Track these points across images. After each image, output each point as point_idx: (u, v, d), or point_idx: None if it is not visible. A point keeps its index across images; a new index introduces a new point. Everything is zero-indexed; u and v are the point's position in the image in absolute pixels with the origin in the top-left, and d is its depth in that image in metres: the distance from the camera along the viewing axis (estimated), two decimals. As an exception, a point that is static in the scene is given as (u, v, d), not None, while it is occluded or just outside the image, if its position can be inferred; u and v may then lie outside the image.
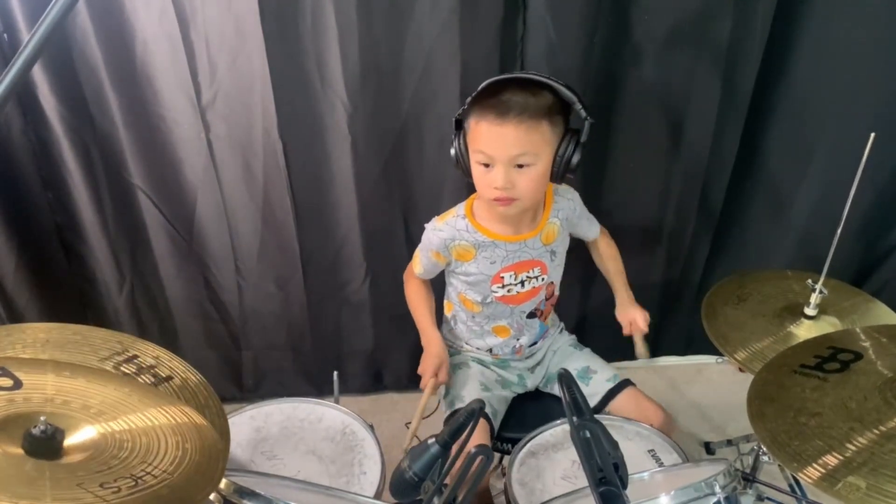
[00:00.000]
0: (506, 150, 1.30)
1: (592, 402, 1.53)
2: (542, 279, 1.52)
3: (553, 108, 1.31)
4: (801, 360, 1.15)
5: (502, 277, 1.48)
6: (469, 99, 1.32)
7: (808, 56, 1.81)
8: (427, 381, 1.47)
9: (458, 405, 1.51)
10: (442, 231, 1.47)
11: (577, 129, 1.33)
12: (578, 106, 1.32)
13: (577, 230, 1.60)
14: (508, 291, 1.50)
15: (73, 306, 2.02)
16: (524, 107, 1.27)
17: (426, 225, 1.51)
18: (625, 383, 1.55)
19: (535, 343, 1.62)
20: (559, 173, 1.35)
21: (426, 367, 1.49)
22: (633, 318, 1.58)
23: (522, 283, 1.50)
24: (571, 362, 1.61)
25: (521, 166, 1.31)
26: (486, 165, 1.33)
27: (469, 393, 1.53)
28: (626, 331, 1.59)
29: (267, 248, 1.98)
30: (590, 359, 1.63)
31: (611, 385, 1.55)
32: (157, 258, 1.99)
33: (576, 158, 1.33)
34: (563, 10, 1.68)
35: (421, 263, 1.55)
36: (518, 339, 1.59)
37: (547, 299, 1.57)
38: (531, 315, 1.56)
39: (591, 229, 1.63)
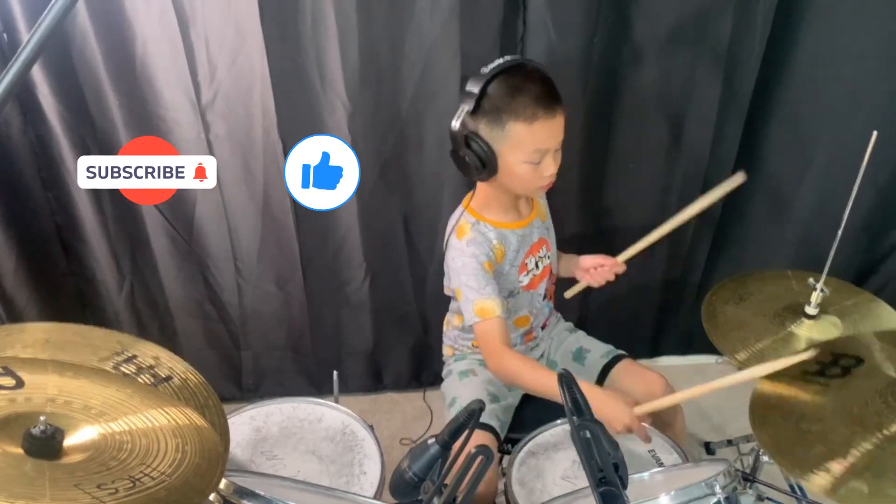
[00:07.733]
0: (557, 139, 1.35)
1: (591, 379, 1.56)
2: (549, 257, 1.57)
3: None
4: (803, 367, 1.15)
5: (526, 264, 1.51)
6: (482, 108, 1.29)
7: (808, 56, 1.81)
8: (639, 426, 1.27)
9: None
10: (478, 240, 1.41)
11: None
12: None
13: None
14: (531, 276, 1.53)
15: (72, 306, 2.02)
16: (557, 94, 1.32)
17: (455, 259, 1.41)
18: (619, 357, 1.58)
19: (543, 326, 1.65)
20: None
21: (625, 421, 1.25)
22: (600, 261, 1.54)
23: (537, 264, 1.54)
24: (566, 345, 1.65)
25: (557, 149, 1.37)
26: (534, 162, 1.34)
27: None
28: (595, 276, 1.54)
29: (267, 248, 1.97)
30: (583, 339, 1.66)
31: (605, 361, 1.58)
32: (157, 258, 1.99)
33: None
34: (563, 10, 1.68)
35: (495, 303, 1.37)
36: (531, 324, 1.60)
37: (551, 274, 1.61)
38: (544, 297, 1.60)
39: None
